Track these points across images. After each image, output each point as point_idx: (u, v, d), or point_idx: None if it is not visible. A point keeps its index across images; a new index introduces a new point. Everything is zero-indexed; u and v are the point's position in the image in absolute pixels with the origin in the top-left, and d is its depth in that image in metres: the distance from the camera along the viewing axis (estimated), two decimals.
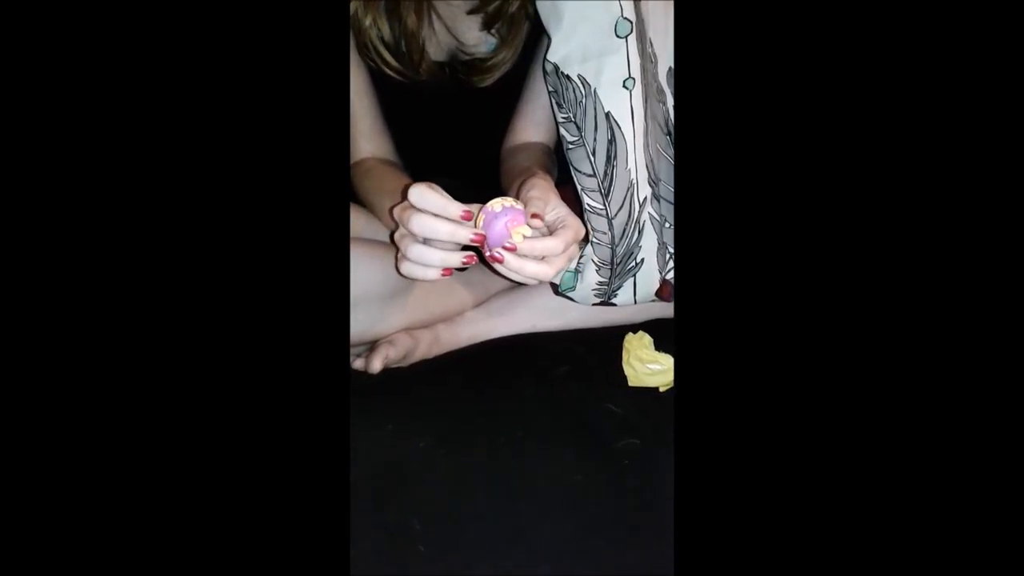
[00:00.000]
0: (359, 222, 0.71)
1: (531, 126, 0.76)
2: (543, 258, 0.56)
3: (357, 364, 0.67)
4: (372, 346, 0.68)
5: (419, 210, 0.53)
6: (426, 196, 0.53)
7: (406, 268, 0.56)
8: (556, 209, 0.59)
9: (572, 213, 0.60)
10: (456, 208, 0.53)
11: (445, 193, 0.54)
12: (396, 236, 0.57)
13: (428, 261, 0.54)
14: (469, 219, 0.54)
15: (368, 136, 0.75)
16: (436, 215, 0.53)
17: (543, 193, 0.59)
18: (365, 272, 0.63)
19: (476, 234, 0.53)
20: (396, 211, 0.56)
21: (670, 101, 0.71)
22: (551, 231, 0.58)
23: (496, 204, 0.55)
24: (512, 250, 0.54)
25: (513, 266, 0.55)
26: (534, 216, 0.56)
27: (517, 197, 0.60)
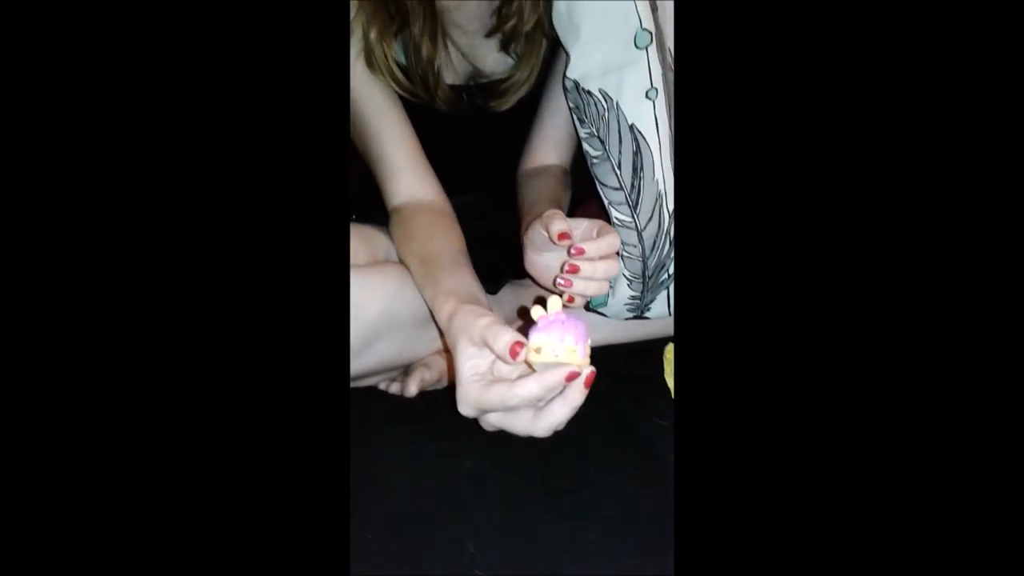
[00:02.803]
0: (384, 242, 0.71)
1: (548, 145, 0.75)
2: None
3: (393, 388, 0.67)
4: (406, 370, 0.68)
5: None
6: (520, 395, 0.45)
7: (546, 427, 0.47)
8: (583, 224, 0.58)
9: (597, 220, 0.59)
10: (539, 385, 0.44)
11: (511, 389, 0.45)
12: (494, 418, 0.48)
13: (560, 419, 0.46)
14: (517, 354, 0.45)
15: (404, 170, 0.68)
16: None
17: (562, 217, 0.57)
18: (395, 296, 0.63)
19: (570, 372, 0.45)
20: (474, 392, 0.47)
21: None
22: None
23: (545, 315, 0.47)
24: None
25: (586, 271, 0.53)
26: (561, 236, 0.54)
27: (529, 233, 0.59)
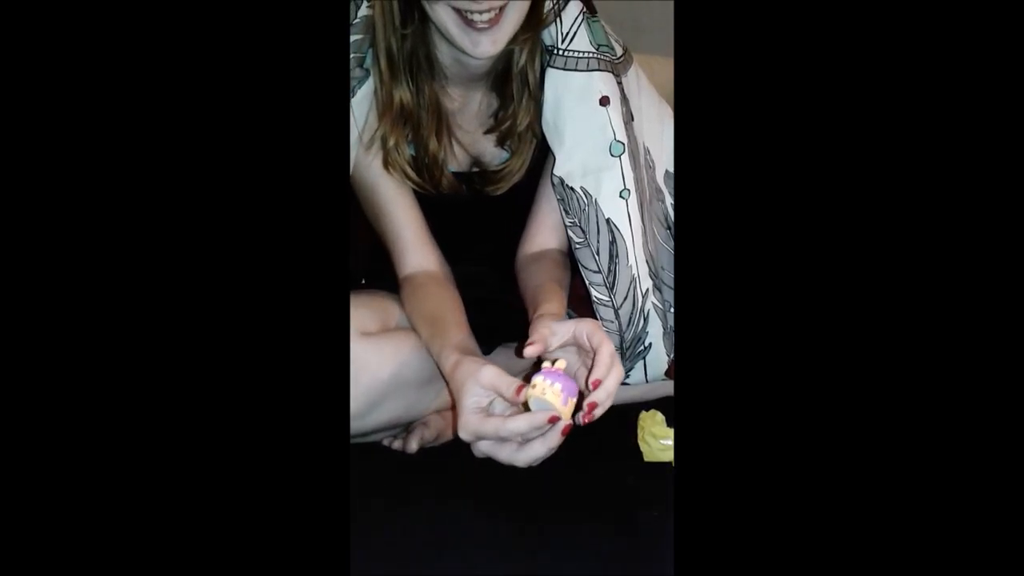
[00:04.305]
0: (396, 312, 0.80)
1: (545, 230, 0.82)
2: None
3: (395, 445, 0.76)
4: (408, 428, 0.76)
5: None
6: (510, 427, 0.56)
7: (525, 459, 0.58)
8: (572, 328, 0.64)
9: (581, 319, 0.65)
10: (527, 421, 0.56)
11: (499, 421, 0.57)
12: (485, 445, 0.58)
13: (538, 454, 0.58)
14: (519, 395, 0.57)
15: (413, 247, 0.79)
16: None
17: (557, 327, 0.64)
18: (402, 361, 0.72)
19: (552, 415, 0.56)
20: (474, 423, 0.58)
21: (668, 200, 0.81)
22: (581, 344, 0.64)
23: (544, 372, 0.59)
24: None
25: (602, 398, 0.60)
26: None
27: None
